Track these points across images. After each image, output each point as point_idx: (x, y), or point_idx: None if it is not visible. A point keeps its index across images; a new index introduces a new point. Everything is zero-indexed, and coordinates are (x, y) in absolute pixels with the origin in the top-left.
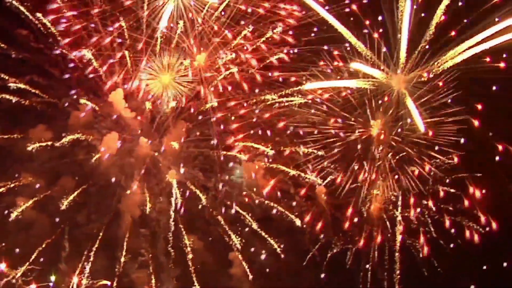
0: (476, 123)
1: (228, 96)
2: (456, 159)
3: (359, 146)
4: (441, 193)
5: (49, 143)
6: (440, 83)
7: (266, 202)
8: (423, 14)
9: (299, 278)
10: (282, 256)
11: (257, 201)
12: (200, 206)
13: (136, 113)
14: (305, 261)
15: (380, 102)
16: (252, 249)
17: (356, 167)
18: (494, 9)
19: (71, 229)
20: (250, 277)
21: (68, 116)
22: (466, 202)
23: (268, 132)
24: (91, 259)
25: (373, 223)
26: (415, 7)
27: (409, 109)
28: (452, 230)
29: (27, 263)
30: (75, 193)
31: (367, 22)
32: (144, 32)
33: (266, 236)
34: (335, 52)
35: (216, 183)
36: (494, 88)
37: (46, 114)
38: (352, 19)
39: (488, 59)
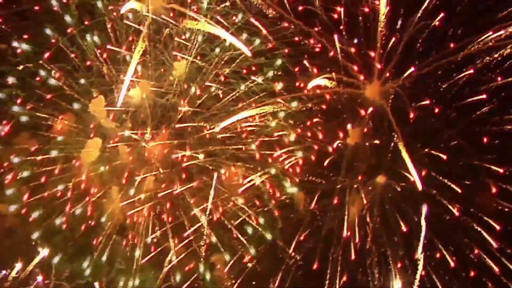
0: None
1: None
2: None
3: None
4: None
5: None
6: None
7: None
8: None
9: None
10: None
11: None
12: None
13: (117, 122)
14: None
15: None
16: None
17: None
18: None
19: (50, 235)
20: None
21: (51, 125)
22: None
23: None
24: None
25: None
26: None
27: (404, 159)
28: None
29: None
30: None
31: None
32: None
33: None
34: None
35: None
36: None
37: (29, 123)
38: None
39: None
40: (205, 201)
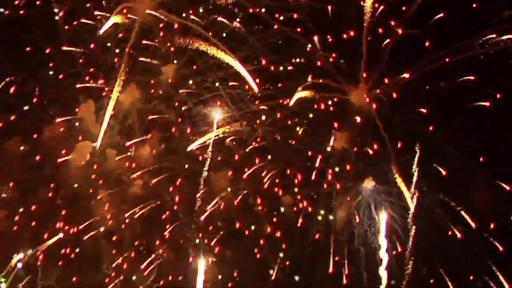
0: None
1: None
2: None
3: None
4: None
5: None
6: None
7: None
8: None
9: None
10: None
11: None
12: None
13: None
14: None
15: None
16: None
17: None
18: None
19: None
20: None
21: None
22: None
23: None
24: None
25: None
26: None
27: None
28: None
29: None
30: None
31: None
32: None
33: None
34: None
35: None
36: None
37: (21, 127)
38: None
39: None
40: (192, 204)
